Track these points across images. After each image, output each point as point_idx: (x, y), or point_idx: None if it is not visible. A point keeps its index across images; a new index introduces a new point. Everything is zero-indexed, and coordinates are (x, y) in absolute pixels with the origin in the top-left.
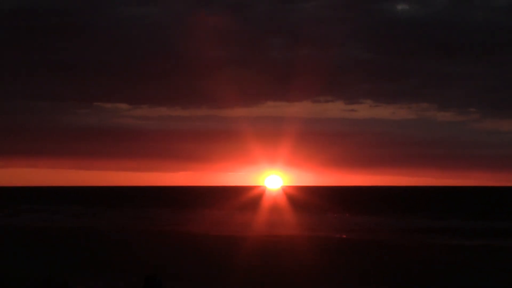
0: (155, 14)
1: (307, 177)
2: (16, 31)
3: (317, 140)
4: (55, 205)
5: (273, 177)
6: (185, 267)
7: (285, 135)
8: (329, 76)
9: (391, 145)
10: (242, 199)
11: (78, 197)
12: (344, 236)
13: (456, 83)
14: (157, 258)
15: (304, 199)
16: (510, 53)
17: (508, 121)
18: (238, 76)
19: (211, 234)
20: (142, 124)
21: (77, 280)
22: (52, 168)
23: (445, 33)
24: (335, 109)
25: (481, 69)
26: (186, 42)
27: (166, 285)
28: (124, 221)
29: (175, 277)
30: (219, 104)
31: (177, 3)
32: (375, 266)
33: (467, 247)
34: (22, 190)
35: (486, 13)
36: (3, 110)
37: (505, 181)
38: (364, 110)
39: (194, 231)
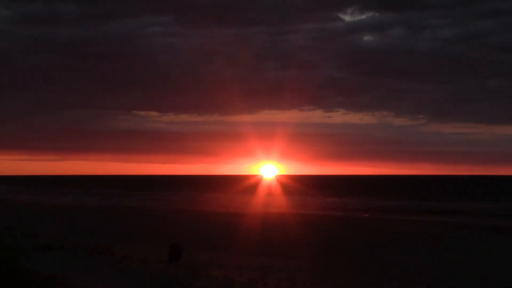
0: (180, 44)
1: (296, 167)
2: (74, 57)
3: (302, 139)
4: (100, 188)
5: (268, 168)
6: (199, 235)
7: (278, 135)
8: (312, 91)
9: (359, 143)
10: (243, 185)
11: (118, 183)
12: (322, 212)
13: (408, 96)
14: (178, 229)
15: (293, 185)
16: (449, 74)
17: (447, 125)
18: (242, 91)
19: (219, 211)
20: (168, 127)
21: (118, 246)
22: (99, 161)
23: (400, 58)
24: (316, 116)
25: (427, 86)
26: (203, 65)
27: (185, 250)
28: (154, 202)
29: (192, 243)
30: (227, 111)
31: (197, 35)
32: (344, 233)
33: (415, 221)
34: (76, 178)
35: (431, 43)
36: (64, 117)
37: (446, 171)
38: (338, 117)
39: (206, 209)
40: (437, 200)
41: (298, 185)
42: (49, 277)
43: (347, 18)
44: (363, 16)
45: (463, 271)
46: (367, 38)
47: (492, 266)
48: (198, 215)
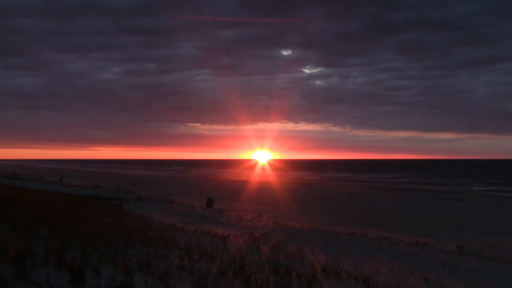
0: (213, 86)
1: (279, 155)
2: (154, 93)
3: (281, 139)
4: (167, 166)
5: (262, 154)
6: (221, 192)
7: (268, 137)
8: (287, 112)
9: (313, 141)
10: (247, 164)
11: (177, 164)
12: (293, 180)
13: (341, 115)
14: (210, 189)
15: (277, 165)
16: (363, 102)
17: (362, 131)
18: (248, 112)
19: (233, 180)
20: (206, 132)
21: (177, 198)
22: (166, 151)
23: (336, 93)
24: (290, 126)
25: (351, 109)
26: (225, 97)
27: (215, 201)
28: (196, 174)
29: (218, 196)
30: (239, 123)
31: (222, 81)
32: (305, 191)
33: (344, 185)
34: (153, 161)
35: (353, 85)
36: (147, 127)
37: (358, 157)
38: (303, 126)
39: (225, 178)
40: (356, 173)
41: (280, 165)
42: (140, 215)
43: (307, 71)
44: (316, 70)
45: (377, 211)
46: (318, 82)
47: (394, 209)
48: (221, 181)
